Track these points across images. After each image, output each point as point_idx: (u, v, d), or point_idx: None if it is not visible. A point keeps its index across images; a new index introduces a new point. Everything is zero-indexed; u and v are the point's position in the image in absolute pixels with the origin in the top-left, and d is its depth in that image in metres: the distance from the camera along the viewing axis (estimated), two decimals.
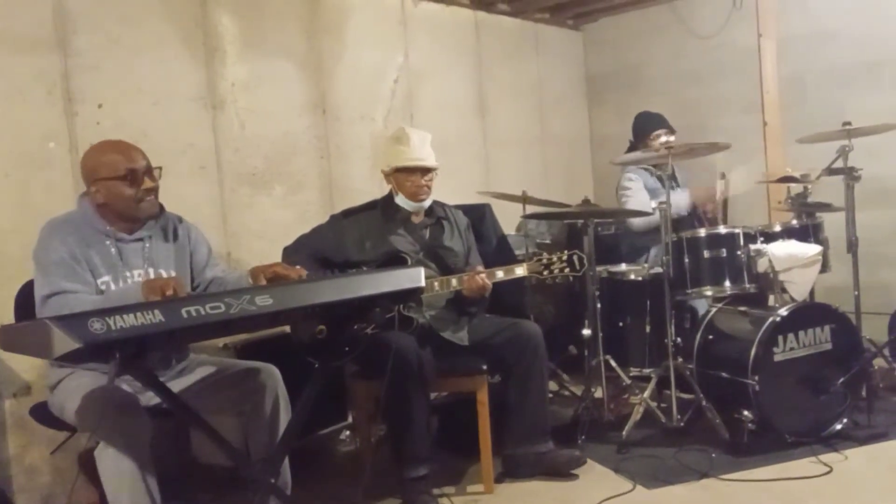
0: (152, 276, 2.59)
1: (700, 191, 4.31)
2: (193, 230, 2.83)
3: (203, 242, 2.83)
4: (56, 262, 2.44)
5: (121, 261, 2.55)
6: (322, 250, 3.27)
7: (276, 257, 3.35)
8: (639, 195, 4.32)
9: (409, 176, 3.27)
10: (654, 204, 4.18)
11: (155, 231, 2.67)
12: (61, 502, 3.14)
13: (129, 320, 1.87)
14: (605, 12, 5.93)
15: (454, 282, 3.14)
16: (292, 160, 4.13)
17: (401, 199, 3.33)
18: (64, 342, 1.83)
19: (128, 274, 2.56)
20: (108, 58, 3.39)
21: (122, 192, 2.54)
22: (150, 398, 2.44)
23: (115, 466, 2.27)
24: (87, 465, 2.49)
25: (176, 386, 2.60)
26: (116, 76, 3.41)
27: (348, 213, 3.46)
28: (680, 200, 4.14)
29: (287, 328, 2.86)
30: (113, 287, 2.51)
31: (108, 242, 2.56)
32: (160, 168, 2.66)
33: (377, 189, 3.89)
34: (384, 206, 3.38)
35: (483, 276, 3.11)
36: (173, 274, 2.65)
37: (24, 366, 3.04)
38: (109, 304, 2.23)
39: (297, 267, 2.61)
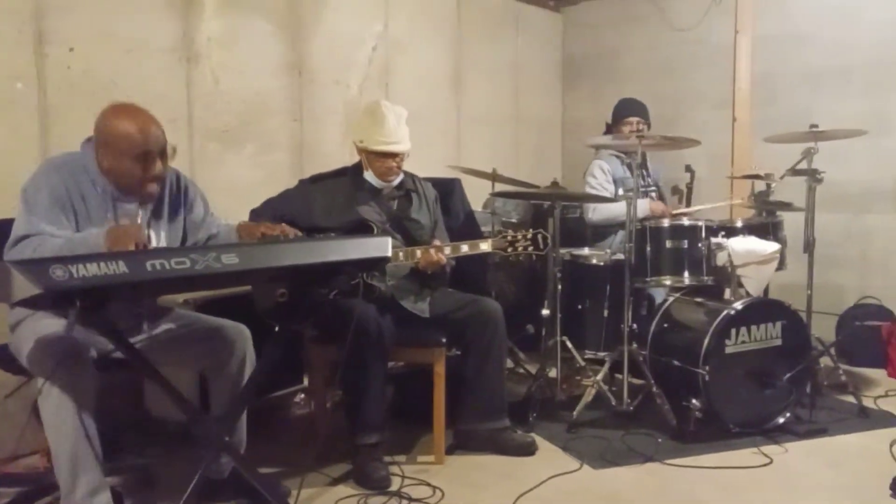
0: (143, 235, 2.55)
1: (658, 207, 4.33)
2: (191, 187, 2.78)
3: (200, 200, 2.79)
4: (43, 204, 2.39)
5: (117, 214, 2.51)
6: (289, 214, 3.24)
7: (242, 216, 3.32)
8: (601, 189, 4.35)
9: (380, 158, 3.26)
10: (620, 192, 4.24)
11: None
12: (9, 448, 3.11)
13: (92, 269, 1.86)
14: None
15: (419, 253, 3.16)
16: (264, 120, 4.09)
17: (369, 175, 3.32)
18: (24, 286, 1.82)
19: None
20: (83, 0, 3.31)
21: (129, 170, 2.46)
22: (105, 344, 2.42)
23: (56, 414, 2.26)
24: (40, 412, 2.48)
25: (139, 335, 2.60)
26: (90, 20, 3.34)
27: (317, 179, 3.44)
28: (638, 207, 4.07)
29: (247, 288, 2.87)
30: None
31: (104, 199, 2.50)
32: (174, 147, 2.63)
33: (348, 155, 3.89)
34: (353, 175, 3.37)
35: (437, 251, 3.12)
36: (164, 235, 2.62)
37: None
38: (71, 248, 2.22)
39: (283, 224, 2.62)
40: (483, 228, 4.14)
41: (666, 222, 3.69)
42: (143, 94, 3.48)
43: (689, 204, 4.47)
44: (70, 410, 2.25)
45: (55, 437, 2.28)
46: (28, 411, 2.93)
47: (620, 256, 3.78)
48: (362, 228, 3.17)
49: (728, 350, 3.40)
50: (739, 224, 3.74)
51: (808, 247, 3.82)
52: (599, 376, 3.59)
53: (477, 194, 4.49)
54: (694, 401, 3.36)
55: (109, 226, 2.40)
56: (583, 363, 3.80)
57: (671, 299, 3.79)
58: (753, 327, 3.44)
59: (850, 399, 3.77)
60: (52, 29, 3.22)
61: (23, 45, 3.15)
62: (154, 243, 2.55)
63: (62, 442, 2.27)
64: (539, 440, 3.34)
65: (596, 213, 4.35)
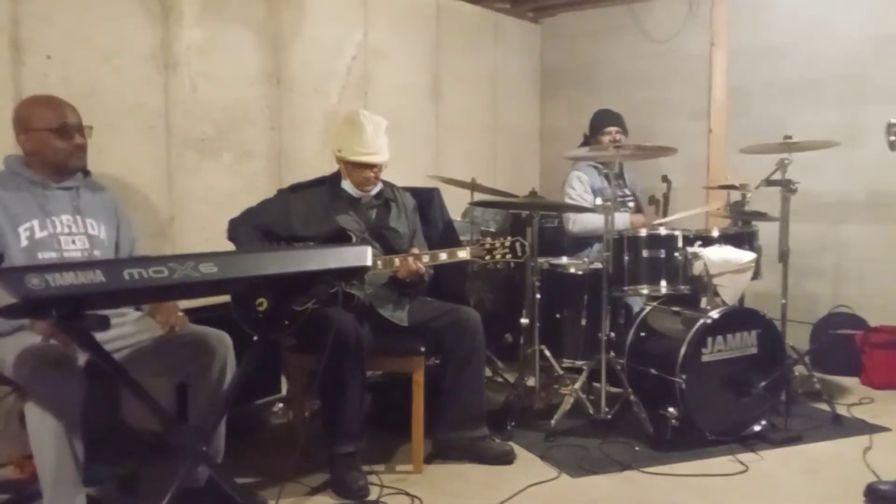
0: (80, 223, 2.63)
1: (638, 220, 4.38)
2: (120, 204, 2.89)
3: (125, 218, 2.88)
4: None
5: (47, 205, 2.58)
6: (268, 223, 3.25)
7: (220, 225, 3.33)
8: (581, 200, 4.38)
9: (358, 168, 3.27)
10: (598, 201, 4.27)
11: (83, 184, 2.71)
12: None
13: (69, 278, 1.84)
14: (565, 8, 5.99)
15: (397, 262, 3.16)
16: (243, 128, 4.08)
17: (347, 185, 3.33)
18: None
19: (55, 219, 2.58)
20: (61, 8, 3.29)
21: (53, 145, 2.60)
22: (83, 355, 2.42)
23: (40, 423, 2.27)
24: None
25: (121, 342, 2.61)
26: (68, 28, 3.32)
27: (296, 188, 3.45)
28: (618, 220, 4.01)
29: (227, 297, 2.86)
30: (38, 232, 2.53)
31: (35, 191, 2.58)
32: (91, 127, 2.71)
33: (327, 164, 3.88)
34: (332, 184, 3.37)
35: (415, 259, 3.14)
36: (102, 226, 2.70)
37: None
38: None
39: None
40: (462, 238, 4.15)
41: (643, 232, 3.72)
42: (122, 102, 3.50)
43: (665, 214, 4.51)
44: (53, 419, 2.26)
45: (37, 446, 2.29)
46: (3, 422, 2.91)
47: (598, 266, 3.80)
48: (341, 238, 3.17)
49: (704, 358, 3.43)
50: (715, 234, 3.78)
51: (783, 256, 3.86)
52: (577, 385, 3.60)
53: (456, 203, 4.50)
54: (671, 409, 3.38)
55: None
56: (561, 372, 3.81)
57: (648, 308, 3.82)
58: (729, 336, 3.48)
59: (825, 407, 3.81)
60: (29, 37, 3.19)
61: None
62: (94, 232, 2.67)
63: (44, 451, 2.28)
64: (517, 449, 3.35)
65: (577, 224, 4.38)
